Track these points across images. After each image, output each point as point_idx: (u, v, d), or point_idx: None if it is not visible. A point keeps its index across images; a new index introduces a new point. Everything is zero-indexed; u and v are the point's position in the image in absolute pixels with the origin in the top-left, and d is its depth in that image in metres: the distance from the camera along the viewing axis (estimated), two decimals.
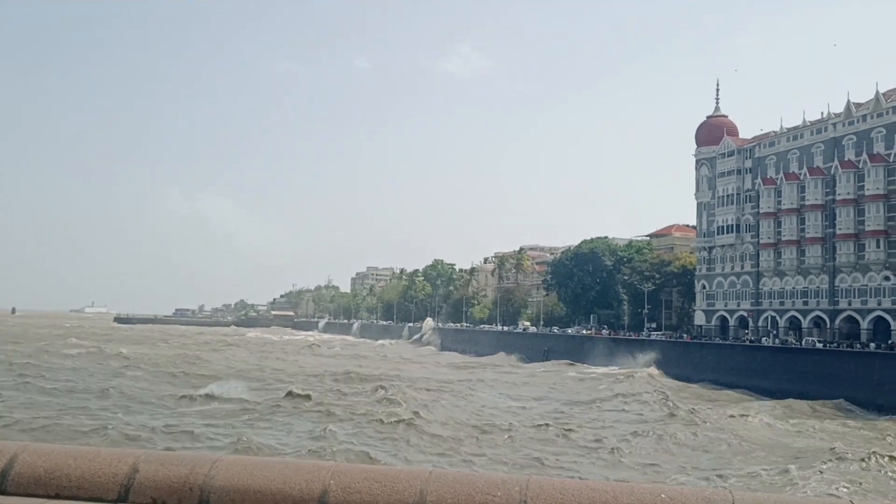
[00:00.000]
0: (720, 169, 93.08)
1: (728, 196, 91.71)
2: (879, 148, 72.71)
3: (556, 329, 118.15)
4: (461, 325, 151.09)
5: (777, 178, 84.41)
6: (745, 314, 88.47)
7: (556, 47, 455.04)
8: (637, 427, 41.64)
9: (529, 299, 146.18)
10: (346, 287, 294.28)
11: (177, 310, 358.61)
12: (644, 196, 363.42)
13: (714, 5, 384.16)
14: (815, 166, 79.96)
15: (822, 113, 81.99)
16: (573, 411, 48.89)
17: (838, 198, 76.39)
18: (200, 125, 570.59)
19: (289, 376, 63.61)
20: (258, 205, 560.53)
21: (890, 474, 31.37)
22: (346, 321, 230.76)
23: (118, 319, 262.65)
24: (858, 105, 76.94)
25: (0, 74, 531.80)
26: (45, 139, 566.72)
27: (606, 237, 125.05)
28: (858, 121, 75.86)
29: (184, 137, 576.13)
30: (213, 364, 74.30)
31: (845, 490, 27.29)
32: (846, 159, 76.23)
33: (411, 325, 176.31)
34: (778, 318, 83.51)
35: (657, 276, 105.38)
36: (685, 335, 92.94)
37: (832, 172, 77.47)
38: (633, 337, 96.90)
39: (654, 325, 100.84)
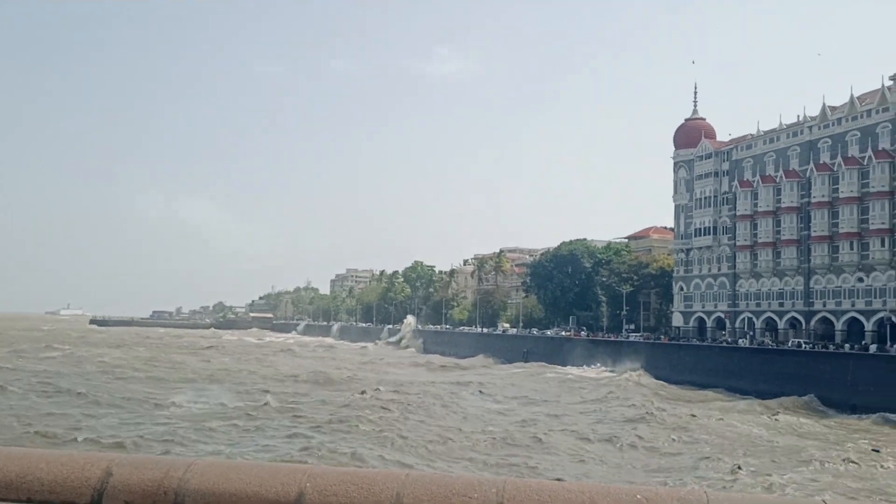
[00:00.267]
0: (698, 171, 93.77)
1: (705, 198, 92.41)
2: (854, 151, 73.54)
3: (535, 331, 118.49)
4: (441, 328, 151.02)
5: (754, 181, 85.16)
6: (723, 315, 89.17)
7: (535, 50, 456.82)
8: (614, 426, 41.84)
9: (509, 301, 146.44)
10: (325, 289, 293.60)
11: (154, 312, 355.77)
12: (623, 198, 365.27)
13: (693, 9, 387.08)
14: (790, 169, 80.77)
15: (798, 116, 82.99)
16: (556, 413, 49.03)
17: (813, 200, 77.19)
18: (179, 128, 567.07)
19: (265, 379, 63.14)
20: (236, 207, 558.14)
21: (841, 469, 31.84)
22: (325, 323, 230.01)
23: (94, 322, 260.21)
24: (834, 108, 77.84)
25: None
26: (20, 142, 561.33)
27: (585, 239, 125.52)
28: (833, 124, 76.71)
29: (162, 140, 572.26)
30: (192, 367, 73.84)
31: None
32: (821, 162, 77.06)
33: (390, 326, 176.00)
34: (754, 319, 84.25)
35: (635, 277, 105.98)
36: (663, 337, 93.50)
37: (808, 175, 78.28)
38: (611, 339, 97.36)
39: (632, 327, 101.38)
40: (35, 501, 3.64)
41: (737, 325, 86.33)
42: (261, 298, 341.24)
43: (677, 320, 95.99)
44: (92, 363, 72.41)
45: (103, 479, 3.65)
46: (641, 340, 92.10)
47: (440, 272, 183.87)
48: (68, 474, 3.69)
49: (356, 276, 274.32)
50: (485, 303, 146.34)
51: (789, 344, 73.39)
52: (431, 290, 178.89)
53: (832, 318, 75.33)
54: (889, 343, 64.71)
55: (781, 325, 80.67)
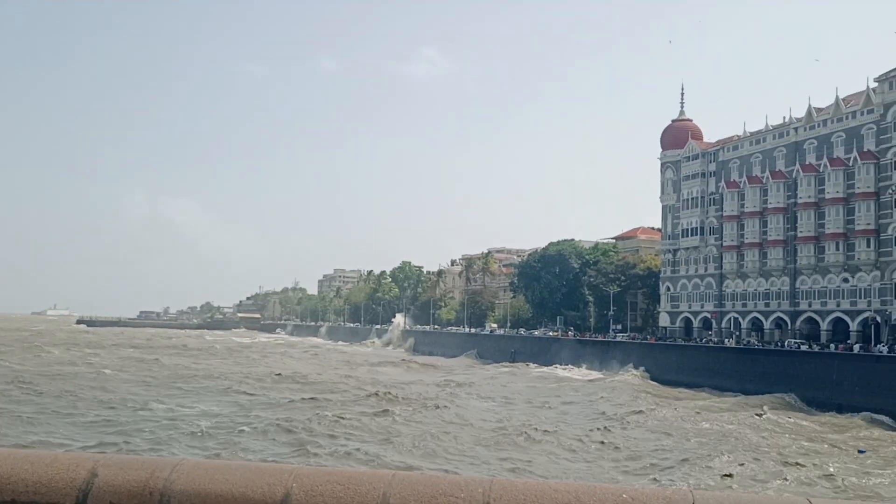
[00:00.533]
0: (685, 172, 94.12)
1: (692, 199, 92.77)
2: (839, 152, 73.99)
3: (522, 331, 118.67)
4: (431, 328, 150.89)
5: (740, 182, 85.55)
6: (709, 316, 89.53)
7: (521, 50, 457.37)
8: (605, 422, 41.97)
9: (496, 301, 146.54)
10: (312, 289, 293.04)
11: (141, 312, 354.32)
12: (610, 199, 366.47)
13: (680, 11, 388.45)
14: (777, 170, 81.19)
15: (784, 117, 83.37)
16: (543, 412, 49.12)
17: (799, 201, 77.60)
18: (163, 128, 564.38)
19: (260, 381, 62.56)
20: (223, 207, 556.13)
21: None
22: (312, 324, 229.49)
23: (81, 322, 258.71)
24: (819, 110, 78.31)
25: None
26: (3, 141, 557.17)
27: (573, 240, 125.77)
28: (819, 125, 77.18)
29: (147, 140, 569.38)
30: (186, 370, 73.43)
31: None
32: (807, 163, 77.49)
33: (378, 326, 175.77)
34: (741, 319, 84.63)
35: (622, 278, 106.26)
36: (650, 337, 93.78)
37: (794, 176, 78.70)
38: (599, 339, 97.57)
39: (619, 327, 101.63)
40: (20, 503, 3.62)
41: (723, 325, 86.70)
42: (248, 299, 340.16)
43: (664, 320, 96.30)
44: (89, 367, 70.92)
45: (88, 479, 3.63)
46: (628, 340, 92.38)
47: (428, 272, 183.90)
48: (53, 475, 3.67)
49: (344, 277, 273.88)
50: (473, 303, 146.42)
51: (781, 343, 73.35)
52: (419, 290, 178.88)
53: (818, 318, 75.76)
54: (874, 343, 65.13)
55: (767, 325, 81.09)
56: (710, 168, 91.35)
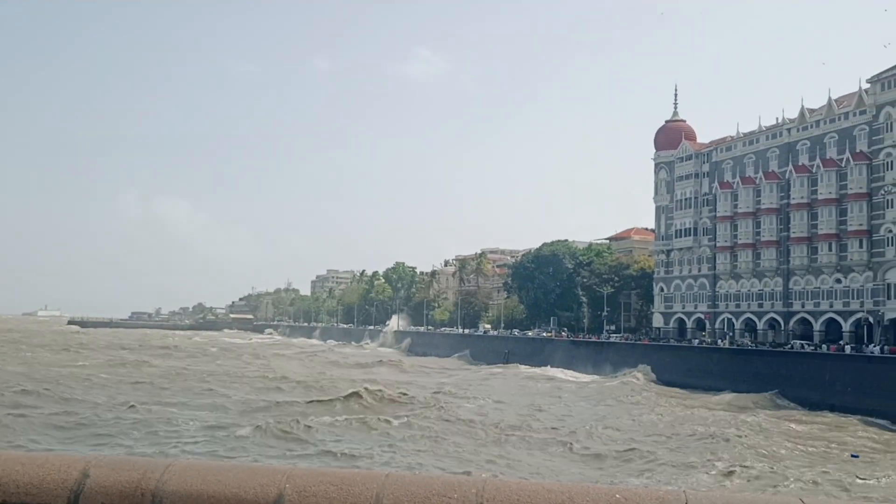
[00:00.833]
0: (678, 173, 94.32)
1: (686, 199, 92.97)
2: (832, 153, 74.23)
3: (516, 332, 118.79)
4: (425, 329, 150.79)
5: (734, 182, 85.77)
6: (703, 316, 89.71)
7: (515, 51, 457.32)
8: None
9: (490, 302, 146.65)
10: (305, 290, 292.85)
11: (133, 313, 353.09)
12: (604, 200, 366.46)
13: (673, 12, 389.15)
14: (770, 171, 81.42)
15: (777, 118, 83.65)
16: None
17: (792, 202, 77.83)
18: (155, 128, 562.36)
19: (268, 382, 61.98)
20: (215, 207, 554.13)
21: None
22: (305, 324, 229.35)
23: (72, 322, 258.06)
24: (812, 111, 78.57)
25: None
26: None
27: (567, 240, 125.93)
28: (812, 126, 77.43)
29: (138, 140, 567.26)
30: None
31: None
32: (800, 164, 77.73)
33: (371, 327, 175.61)
34: (734, 319, 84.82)
35: (616, 278, 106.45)
36: (644, 337, 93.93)
37: (787, 177, 78.94)
38: (593, 339, 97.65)
39: (613, 328, 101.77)
40: None
41: (716, 325, 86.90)
42: (241, 300, 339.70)
43: (658, 321, 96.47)
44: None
45: (80, 480, 3.62)
46: (622, 341, 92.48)
47: (421, 273, 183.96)
48: (45, 476, 3.66)
49: (337, 277, 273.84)
50: (466, 304, 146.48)
51: (791, 346, 72.50)
52: (413, 290, 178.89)
53: (811, 318, 75.98)
54: (866, 343, 65.34)
55: (761, 325, 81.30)
56: (704, 169, 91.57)
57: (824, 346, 68.72)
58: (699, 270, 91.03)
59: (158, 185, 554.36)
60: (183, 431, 35.44)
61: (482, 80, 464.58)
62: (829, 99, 76.18)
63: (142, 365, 75.60)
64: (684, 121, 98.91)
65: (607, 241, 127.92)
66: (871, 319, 68.02)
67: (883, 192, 69.10)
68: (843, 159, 72.73)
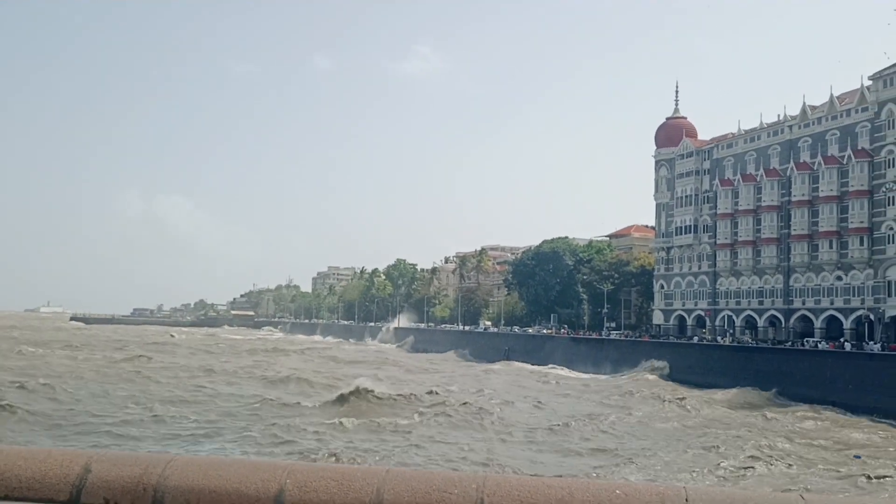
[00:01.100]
0: (679, 170, 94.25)
1: (686, 197, 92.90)
2: (833, 150, 74.15)
3: (516, 328, 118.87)
4: (426, 325, 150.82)
5: (734, 180, 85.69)
6: (703, 313, 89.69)
7: (515, 48, 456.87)
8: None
9: (491, 299, 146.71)
10: (306, 287, 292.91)
11: (135, 309, 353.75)
12: (604, 197, 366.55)
13: (674, 9, 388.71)
14: (771, 168, 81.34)
15: (778, 115, 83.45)
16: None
17: (793, 199, 77.77)
18: (157, 126, 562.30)
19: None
20: (216, 205, 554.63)
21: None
22: (307, 321, 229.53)
23: (74, 319, 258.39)
24: (814, 108, 78.46)
25: None
26: None
27: (567, 237, 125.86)
28: (813, 123, 77.34)
29: (141, 138, 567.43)
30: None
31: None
32: (801, 161, 77.65)
33: (372, 324, 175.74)
34: (734, 317, 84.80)
35: (616, 275, 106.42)
36: (644, 334, 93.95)
37: (788, 174, 78.86)
38: (593, 336, 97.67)
39: (613, 325, 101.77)
40: (13, 499, 3.62)
41: (717, 323, 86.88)
42: (242, 296, 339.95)
43: (658, 318, 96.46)
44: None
45: (82, 475, 3.63)
46: (622, 338, 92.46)
47: (422, 270, 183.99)
48: (47, 471, 3.67)
49: (338, 274, 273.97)
50: (467, 300, 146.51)
51: (805, 343, 71.62)
52: (414, 287, 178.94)
53: (811, 316, 75.94)
54: (866, 341, 65.30)
55: (761, 322, 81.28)
56: (705, 166, 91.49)
57: (823, 343, 68.56)
58: (699, 268, 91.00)
59: (160, 183, 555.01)
60: (199, 437, 34.94)
61: (482, 77, 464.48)
62: (831, 96, 76.09)
63: (144, 360, 75.59)
64: (685, 118, 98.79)
65: (608, 239, 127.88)
66: (871, 317, 67.98)
67: (884, 189, 69.02)
68: (844, 156, 72.64)
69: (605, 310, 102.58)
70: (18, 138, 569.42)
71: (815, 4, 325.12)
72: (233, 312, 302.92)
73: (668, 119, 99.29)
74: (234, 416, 40.62)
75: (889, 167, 68.66)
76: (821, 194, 74.72)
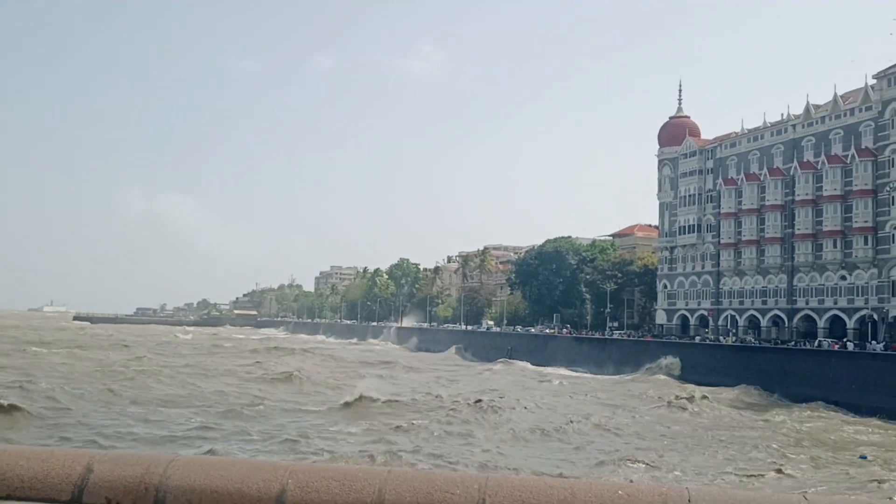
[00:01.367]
0: (682, 169, 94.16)
1: (690, 196, 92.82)
2: (837, 149, 74.05)
3: (519, 328, 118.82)
4: (428, 325, 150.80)
5: (738, 179, 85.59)
6: (706, 313, 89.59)
7: (518, 46, 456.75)
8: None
9: (493, 298, 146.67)
10: (309, 286, 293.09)
11: (138, 309, 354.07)
12: (607, 196, 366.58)
13: (678, 8, 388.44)
14: (774, 167, 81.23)
15: (782, 115, 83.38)
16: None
17: (797, 198, 77.67)
18: (159, 125, 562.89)
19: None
20: (219, 204, 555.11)
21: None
22: (309, 321, 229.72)
23: (78, 318, 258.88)
24: (817, 107, 78.36)
25: None
26: (1, 137, 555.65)
27: (570, 237, 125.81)
28: (817, 122, 77.23)
29: (144, 137, 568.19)
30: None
31: None
32: (805, 160, 77.55)
33: (374, 324, 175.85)
34: (737, 317, 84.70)
35: (619, 275, 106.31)
36: (646, 334, 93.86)
37: (791, 173, 78.75)
38: (595, 336, 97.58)
39: (616, 325, 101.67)
40: (15, 498, 3.62)
41: (720, 322, 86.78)
42: (245, 296, 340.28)
43: (661, 318, 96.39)
44: None
45: (84, 475, 3.64)
46: (624, 338, 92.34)
47: (425, 270, 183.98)
48: (49, 471, 3.67)
49: (340, 274, 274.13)
50: (469, 300, 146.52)
51: (815, 343, 71.31)
52: (416, 287, 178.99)
53: (815, 315, 75.84)
54: (869, 340, 65.17)
55: (764, 322, 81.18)
56: (708, 165, 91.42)
57: (825, 343, 68.41)
58: (703, 267, 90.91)
59: (162, 183, 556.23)
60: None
61: (484, 76, 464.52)
62: (835, 95, 75.97)
63: (149, 361, 75.49)
64: (688, 117, 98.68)
65: (611, 238, 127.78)
66: (875, 316, 67.87)
67: (888, 188, 68.88)
68: (848, 156, 72.54)
69: (608, 309, 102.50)
70: (20, 138, 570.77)
71: (818, 3, 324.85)
72: (235, 312, 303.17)
73: (671, 118, 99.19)
74: (241, 417, 40.59)
75: (893, 166, 68.56)
76: (825, 193, 74.62)
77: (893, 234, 68.23)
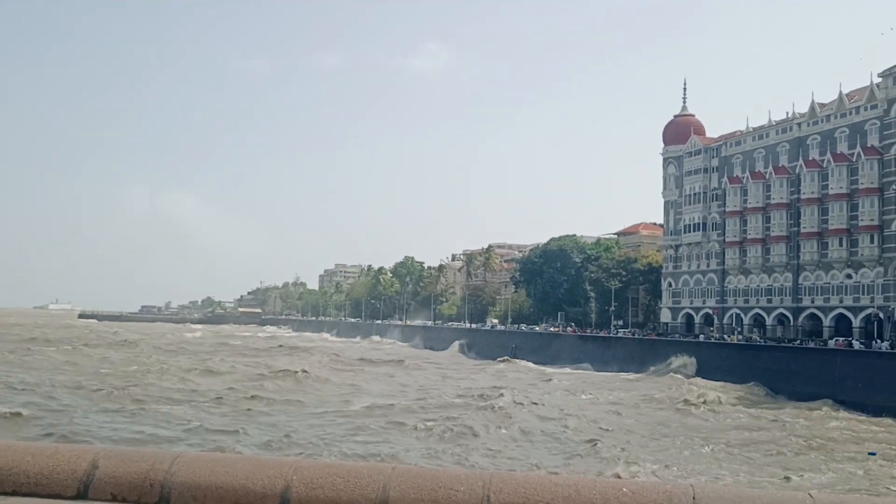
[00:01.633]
0: (687, 167, 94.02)
1: (695, 194, 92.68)
2: (843, 148, 73.87)
3: (523, 326, 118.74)
4: (432, 323, 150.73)
5: (743, 177, 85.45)
6: (711, 311, 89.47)
7: (524, 46, 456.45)
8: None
9: (498, 297, 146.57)
10: (313, 284, 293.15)
11: (143, 307, 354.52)
12: (612, 194, 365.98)
13: (682, 6, 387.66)
14: (780, 165, 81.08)
15: (787, 113, 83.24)
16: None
17: (803, 197, 77.52)
18: (164, 123, 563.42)
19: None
20: (223, 202, 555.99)
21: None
22: (314, 319, 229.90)
23: (82, 316, 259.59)
24: (822, 105, 78.16)
25: None
26: (5, 135, 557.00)
27: (574, 235, 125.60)
28: (822, 121, 77.05)
29: (148, 134, 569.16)
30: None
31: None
32: (810, 158, 77.39)
33: (379, 322, 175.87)
34: (742, 315, 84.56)
35: (624, 273, 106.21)
36: (651, 332, 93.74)
37: (797, 171, 78.59)
38: (600, 334, 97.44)
39: (620, 323, 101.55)
40: (21, 494, 3.63)
41: (725, 321, 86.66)
42: (249, 293, 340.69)
43: (665, 316, 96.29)
44: None
45: (89, 471, 3.65)
46: (629, 336, 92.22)
47: (429, 268, 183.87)
48: (54, 467, 3.68)
49: (345, 272, 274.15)
50: (474, 298, 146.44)
51: (834, 343, 70.92)
52: (421, 285, 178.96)
53: (820, 314, 75.69)
54: (875, 339, 65.02)
55: (769, 321, 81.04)
56: (713, 163, 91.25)
57: (830, 342, 68.30)
58: (708, 266, 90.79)
59: (165, 180, 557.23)
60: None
61: (489, 75, 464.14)
62: (840, 93, 75.76)
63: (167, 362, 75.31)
64: (693, 115, 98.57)
65: (615, 236, 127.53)
66: (881, 315, 67.69)
67: (894, 187, 68.71)
68: (853, 154, 72.37)
69: (612, 308, 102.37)
70: (23, 136, 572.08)
71: (824, 1, 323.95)
72: (240, 310, 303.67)
73: (676, 116, 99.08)
74: (248, 416, 40.67)
75: None
76: (830, 192, 74.45)
77: None
